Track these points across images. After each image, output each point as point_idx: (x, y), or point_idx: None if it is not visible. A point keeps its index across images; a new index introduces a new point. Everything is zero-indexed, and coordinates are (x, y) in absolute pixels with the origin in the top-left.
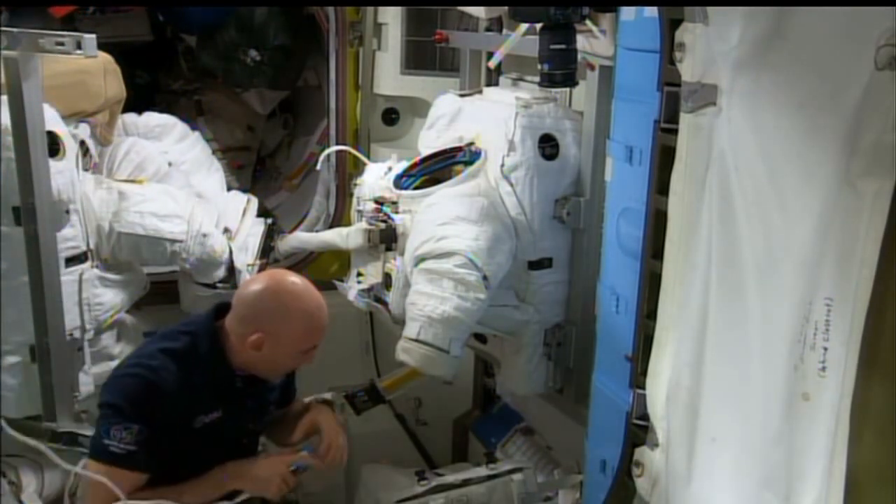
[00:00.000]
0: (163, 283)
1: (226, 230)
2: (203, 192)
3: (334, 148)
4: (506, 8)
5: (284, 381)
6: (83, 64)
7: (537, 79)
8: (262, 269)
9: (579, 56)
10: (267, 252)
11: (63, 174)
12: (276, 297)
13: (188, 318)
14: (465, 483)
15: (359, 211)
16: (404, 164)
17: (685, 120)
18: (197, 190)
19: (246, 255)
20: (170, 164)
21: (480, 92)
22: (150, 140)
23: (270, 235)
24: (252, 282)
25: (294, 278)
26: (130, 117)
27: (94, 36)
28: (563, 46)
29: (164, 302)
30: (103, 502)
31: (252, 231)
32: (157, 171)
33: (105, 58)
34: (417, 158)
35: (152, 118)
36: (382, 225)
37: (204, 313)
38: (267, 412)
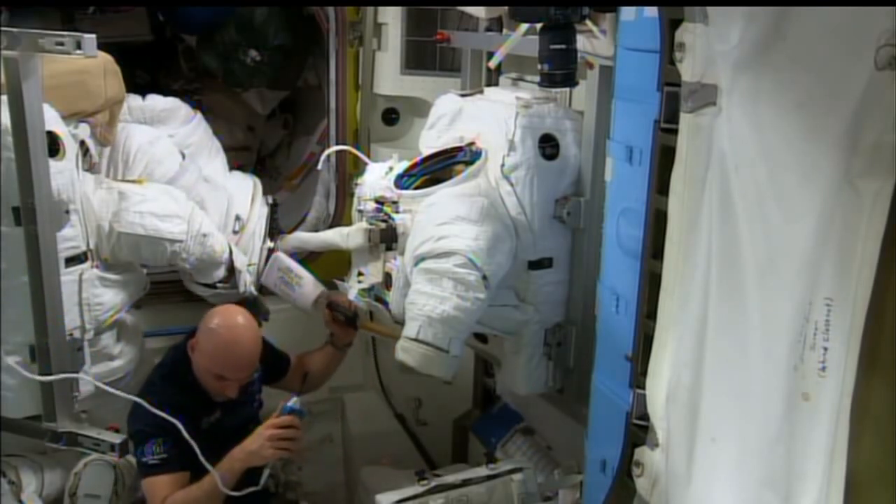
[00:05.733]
0: (163, 283)
1: (237, 218)
2: (209, 176)
3: (335, 148)
4: (506, 8)
5: (263, 367)
6: (83, 64)
7: (537, 79)
8: (269, 252)
9: (579, 56)
10: (274, 233)
11: (63, 174)
12: (212, 318)
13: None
14: (465, 483)
15: (360, 211)
16: (405, 164)
17: (685, 120)
18: (203, 173)
19: (253, 240)
20: (183, 157)
21: (482, 92)
22: (155, 125)
23: (274, 216)
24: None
25: (241, 316)
26: (135, 101)
27: (94, 36)
28: (563, 46)
29: (164, 302)
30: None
31: (260, 213)
32: (171, 167)
33: (105, 58)
34: (417, 158)
35: (158, 102)
36: (383, 224)
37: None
38: (255, 400)
